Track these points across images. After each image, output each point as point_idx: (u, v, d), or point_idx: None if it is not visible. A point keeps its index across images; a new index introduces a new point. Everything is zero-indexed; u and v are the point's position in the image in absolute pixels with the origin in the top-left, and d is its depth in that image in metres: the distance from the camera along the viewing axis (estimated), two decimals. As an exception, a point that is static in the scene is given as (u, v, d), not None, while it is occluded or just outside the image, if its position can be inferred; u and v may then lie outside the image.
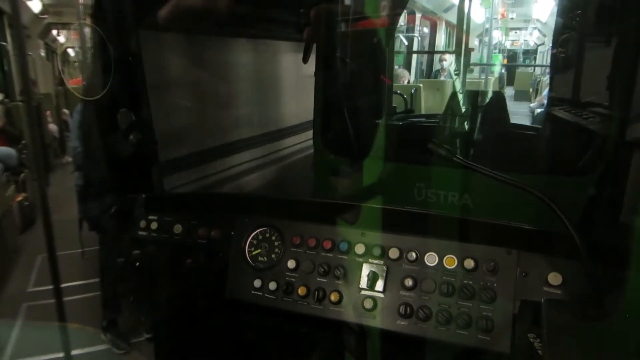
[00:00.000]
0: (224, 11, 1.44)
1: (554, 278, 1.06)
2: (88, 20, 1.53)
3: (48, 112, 8.36)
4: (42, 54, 9.46)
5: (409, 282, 1.17)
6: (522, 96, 12.45)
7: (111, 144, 1.60)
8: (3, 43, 7.26)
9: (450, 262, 1.16)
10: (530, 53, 18.21)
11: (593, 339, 0.93)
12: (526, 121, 7.43)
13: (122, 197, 1.59)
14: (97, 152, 1.71)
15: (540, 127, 2.78)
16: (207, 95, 2.47)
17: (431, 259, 1.18)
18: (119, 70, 1.48)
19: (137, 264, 1.48)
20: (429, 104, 5.59)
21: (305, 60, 2.92)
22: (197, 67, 2.34)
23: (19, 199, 5.34)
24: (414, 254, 1.20)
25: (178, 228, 1.48)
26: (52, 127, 8.47)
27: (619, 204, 1.20)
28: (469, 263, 1.14)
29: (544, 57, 13.83)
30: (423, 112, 5.18)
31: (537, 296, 1.06)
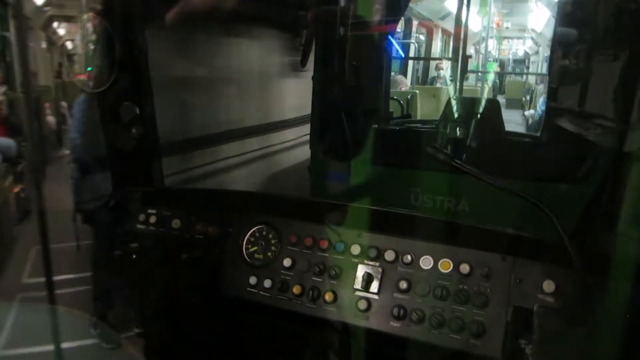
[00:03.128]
0: (229, 12, 1.46)
1: (548, 285, 1.07)
2: (91, 14, 1.53)
3: (47, 105, 8.32)
4: (44, 45, 9.42)
5: (403, 285, 1.18)
6: (513, 104, 12.54)
7: (112, 137, 1.60)
8: (6, 34, 7.23)
9: (445, 266, 1.17)
10: (522, 62, 18.41)
11: (583, 347, 0.94)
12: (520, 129, 7.51)
13: (120, 190, 1.59)
14: (97, 144, 1.71)
15: (537, 134, 2.80)
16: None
17: (426, 262, 1.19)
18: (122, 64, 1.48)
19: (134, 256, 1.48)
20: (425, 110, 5.62)
21: (303, 64, 2.93)
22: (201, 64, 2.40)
23: (16, 190, 5.35)
24: (409, 257, 1.20)
25: (176, 223, 1.49)
26: (51, 119, 8.42)
27: (615, 213, 1.22)
28: (464, 268, 1.15)
29: (538, 66, 13.97)
30: (419, 118, 5.22)
31: (531, 303, 1.07)
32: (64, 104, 9.32)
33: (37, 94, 6.31)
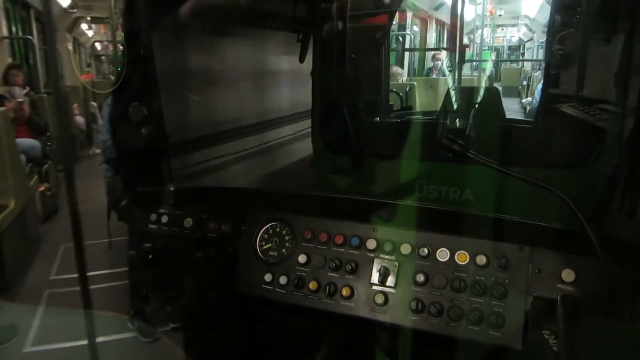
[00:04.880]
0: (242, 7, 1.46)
1: (567, 275, 1.06)
2: (119, 16, 1.55)
3: (75, 105, 8.41)
4: (69, 47, 9.52)
5: (420, 278, 1.17)
6: (510, 92, 12.51)
7: (139, 137, 1.61)
8: (29, 37, 7.28)
9: (462, 258, 1.16)
10: (517, 49, 18.36)
11: (610, 337, 0.92)
12: (519, 117, 7.49)
13: (144, 189, 1.59)
14: (126, 145, 1.71)
15: (540, 120, 2.79)
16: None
17: (443, 255, 1.18)
18: (147, 66, 1.48)
19: (150, 256, 1.47)
20: (424, 101, 5.60)
21: (301, 59, 2.91)
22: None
23: (42, 189, 5.45)
24: (425, 250, 1.19)
25: (188, 222, 1.47)
26: (79, 119, 8.55)
27: (634, 199, 1.21)
28: (481, 259, 1.13)
29: (533, 52, 13.93)
30: (419, 109, 5.20)
31: (550, 293, 1.06)
32: (93, 103, 9.43)
33: (64, 94, 6.36)
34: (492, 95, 3.19)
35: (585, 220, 0.97)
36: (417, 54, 8.82)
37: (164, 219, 1.50)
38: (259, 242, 1.37)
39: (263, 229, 1.38)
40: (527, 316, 1.07)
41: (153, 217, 1.51)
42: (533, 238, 1.12)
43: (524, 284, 1.09)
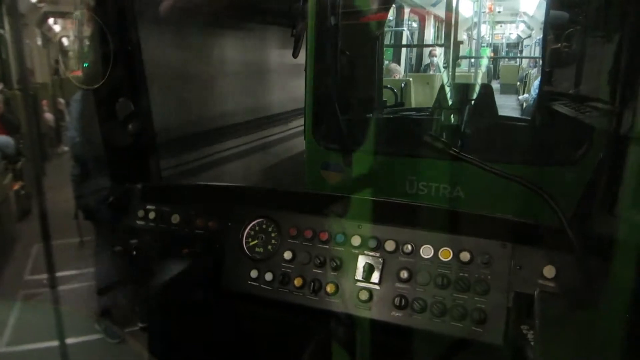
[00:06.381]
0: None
1: (549, 271, 1.07)
2: (86, 10, 1.52)
3: (45, 102, 8.33)
4: (39, 42, 9.40)
5: (404, 274, 1.18)
6: (508, 89, 12.50)
7: (109, 134, 1.60)
8: (1, 31, 7.18)
9: (446, 254, 1.17)
10: (515, 46, 18.33)
11: (584, 331, 0.94)
12: (515, 114, 7.50)
13: (119, 186, 1.59)
14: (95, 142, 1.70)
15: (530, 118, 2.80)
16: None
17: (427, 252, 1.19)
18: (117, 60, 1.47)
19: (134, 252, 1.48)
20: (419, 98, 5.60)
21: (295, 54, 2.90)
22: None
23: (16, 187, 5.37)
24: (409, 247, 1.20)
25: (176, 218, 1.48)
26: (48, 116, 8.46)
27: (614, 196, 1.22)
28: (464, 256, 1.15)
29: (531, 50, 13.91)
30: (413, 105, 5.20)
31: (531, 289, 1.07)
32: (61, 100, 9.35)
33: (34, 90, 6.29)
34: (485, 93, 3.19)
35: (565, 218, 0.98)
36: (414, 50, 8.80)
37: (152, 215, 1.50)
38: (245, 239, 1.38)
39: (250, 226, 1.39)
40: (509, 312, 1.08)
41: (140, 213, 1.51)
42: (515, 235, 1.13)
43: (505, 280, 1.11)
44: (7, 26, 7.34)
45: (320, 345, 1.38)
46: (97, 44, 1.49)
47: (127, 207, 1.53)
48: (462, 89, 3.34)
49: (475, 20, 10.39)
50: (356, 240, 1.26)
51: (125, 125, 1.55)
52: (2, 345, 3.08)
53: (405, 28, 7.77)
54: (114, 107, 1.55)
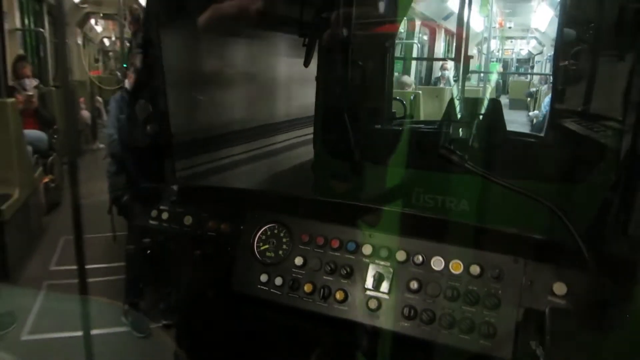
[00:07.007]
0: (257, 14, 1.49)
1: (559, 288, 1.06)
2: (129, 14, 1.57)
3: (82, 99, 8.50)
4: (79, 41, 9.62)
5: (414, 285, 1.18)
6: (517, 105, 12.46)
7: (145, 134, 1.63)
8: (41, 30, 7.36)
9: (456, 267, 1.17)
10: (526, 62, 18.32)
11: (595, 349, 0.93)
12: (525, 130, 7.47)
13: (147, 185, 1.61)
14: (132, 141, 1.73)
15: (540, 135, 2.79)
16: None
17: (437, 264, 1.19)
18: (155, 63, 1.50)
19: (148, 252, 1.49)
20: (428, 110, 5.61)
21: (306, 64, 2.93)
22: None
23: (46, 180, 5.50)
24: (420, 257, 1.20)
25: (188, 219, 1.49)
26: (85, 113, 8.67)
27: (627, 215, 1.21)
28: (475, 269, 1.14)
29: (542, 66, 13.90)
30: (422, 118, 5.21)
31: (542, 305, 1.06)
32: (99, 98, 9.54)
33: (72, 88, 6.41)
34: (494, 107, 3.18)
35: (578, 234, 0.98)
36: (425, 63, 8.83)
37: (165, 215, 1.52)
38: (256, 243, 1.39)
39: (261, 230, 1.40)
40: (518, 327, 1.07)
41: (154, 213, 1.53)
42: (527, 250, 1.12)
43: (516, 295, 1.10)
44: (47, 25, 7.56)
45: (326, 352, 1.37)
46: (138, 46, 1.53)
47: (152, 206, 1.55)
48: (471, 103, 3.34)
49: (485, 35, 10.42)
50: (367, 249, 1.26)
51: (145, 126, 1.58)
52: (34, 333, 3.12)
53: (415, 41, 7.80)
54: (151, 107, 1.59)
